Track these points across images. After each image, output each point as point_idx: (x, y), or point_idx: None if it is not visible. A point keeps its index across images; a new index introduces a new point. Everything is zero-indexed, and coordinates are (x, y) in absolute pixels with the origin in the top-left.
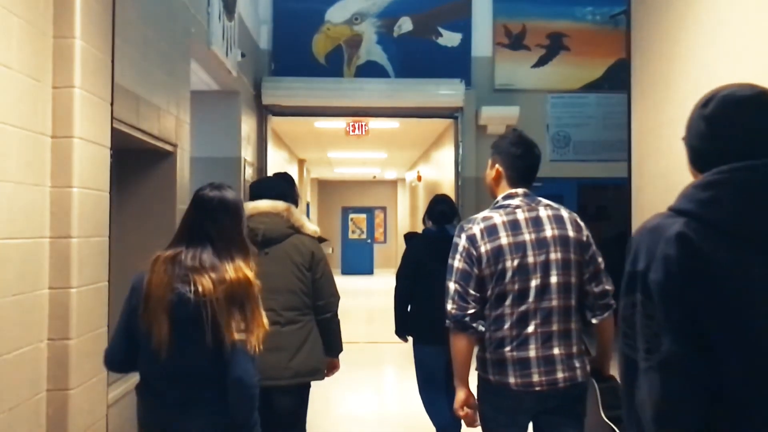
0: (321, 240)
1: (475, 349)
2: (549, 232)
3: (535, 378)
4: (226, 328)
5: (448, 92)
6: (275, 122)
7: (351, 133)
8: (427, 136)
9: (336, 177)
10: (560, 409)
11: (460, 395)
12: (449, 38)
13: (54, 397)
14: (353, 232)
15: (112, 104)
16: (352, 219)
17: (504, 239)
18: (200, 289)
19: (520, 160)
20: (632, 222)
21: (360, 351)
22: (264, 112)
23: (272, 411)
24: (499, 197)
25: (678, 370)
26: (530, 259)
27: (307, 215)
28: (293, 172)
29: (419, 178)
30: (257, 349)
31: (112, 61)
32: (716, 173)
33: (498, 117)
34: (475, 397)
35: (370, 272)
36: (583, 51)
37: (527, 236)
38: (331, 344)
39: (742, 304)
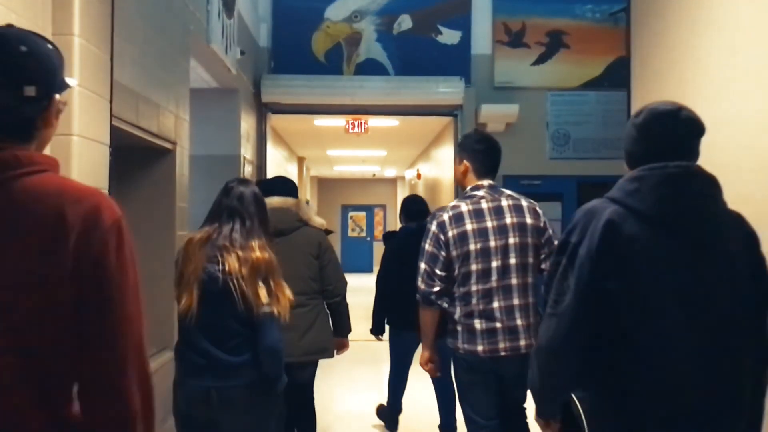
0: (328, 232)
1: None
2: (509, 219)
3: (501, 345)
4: (254, 298)
5: (447, 90)
6: (275, 120)
7: (350, 130)
8: (426, 134)
9: (335, 175)
10: (521, 374)
11: (425, 354)
12: (449, 36)
13: None
14: (353, 230)
15: (111, 102)
16: (351, 217)
17: (469, 225)
18: (227, 267)
19: (485, 155)
20: None
21: (360, 348)
22: (263, 110)
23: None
24: (468, 188)
25: (570, 319)
26: (492, 243)
27: None
28: (293, 170)
29: (419, 176)
30: (285, 317)
31: (111, 59)
32: (640, 170)
33: (498, 115)
34: (438, 358)
35: (370, 270)
36: (582, 49)
37: (489, 223)
38: (341, 325)
39: (647, 271)
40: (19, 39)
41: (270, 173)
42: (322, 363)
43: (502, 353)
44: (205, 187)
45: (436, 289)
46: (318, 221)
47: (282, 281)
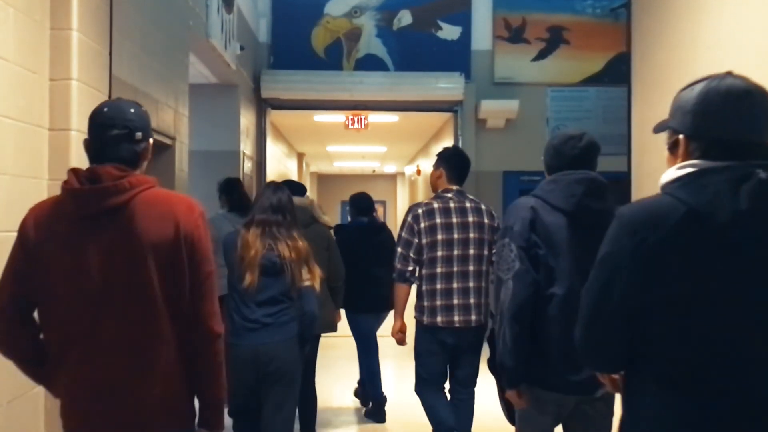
0: (330, 228)
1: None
2: (470, 218)
3: (456, 318)
4: (299, 276)
5: (447, 86)
6: (274, 116)
7: (350, 126)
8: (426, 130)
9: (335, 171)
10: (469, 345)
11: (396, 324)
12: (449, 31)
13: None
14: None
15: (109, 97)
16: None
17: (438, 220)
18: (282, 254)
19: (458, 166)
20: None
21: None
22: (263, 106)
23: None
24: (439, 191)
25: (521, 279)
26: (455, 236)
27: None
28: (292, 166)
29: (419, 172)
30: (318, 289)
31: (110, 54)
32: (555, 176)
33: (498, 110)
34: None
35: None
36: (583, 44)
37: (455, 219)
38: (339, 301)
39: (558, 243)
40: (129, 105)
41: (270, 169)
42: (322, 359)
43: (457, 325)
44: (204, 182)
45: (410, 268)
46: (325, 219)
47: (314, 263)
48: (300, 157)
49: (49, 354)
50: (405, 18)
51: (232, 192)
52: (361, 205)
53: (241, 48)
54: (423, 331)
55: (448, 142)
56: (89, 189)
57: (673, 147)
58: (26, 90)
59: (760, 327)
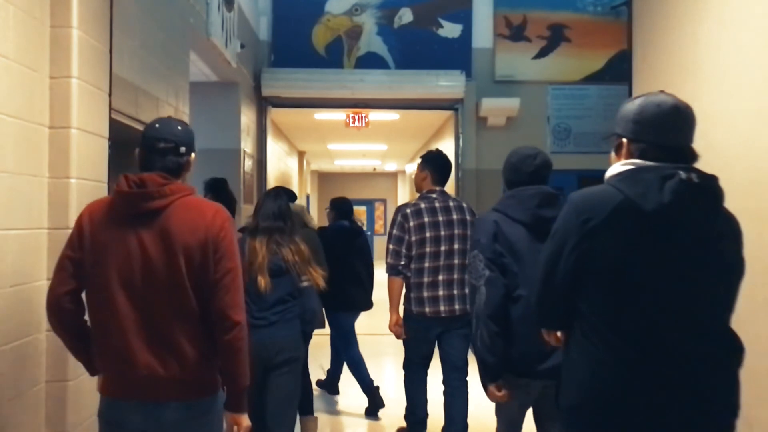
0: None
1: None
2: (454, 216)
3: (442, 308)
4: (302, 277)
5: (448, 84)
6: (275, 114)
7: (351, 124)
8: (427, 128)
9: (336, 169)
10: (455, 331)
11: (393, 318)
12: (450, 29)
13: (53, 389)
14: None
15: (110, 95)
16: None
17: (425, 219)
18: (286, 257)
19: (442, 168)
20: None
21: (360, 343)
22: (263, 104)
23: None
24: (424, 191)
25: (492, 284)
26: (441, 233)
27: (307, 207)
28: (293, 164)
29: None
30: (320, 287)
31: (110, 52)
32: (514, 191)
33: (498, 108)
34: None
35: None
36: (584, 42)
37: (440, 218)
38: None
39: (519, 251)
40: (177, 123)
41: (270, 167)
42: (324, 358)
43: (443, 314)
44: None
45: (402, 262)
46: (313, 223)
47: (315, 264)
48: (301, 155)
49: (92, 331)
50: (406, 16)
51: (219, 191)
52: (343, 209)
53: (242, 46)
54: (412, 320)
55: (449, 141)
56: (136, 192)
57: (617, 149)
58: (26, 88)
59: (675, 292)
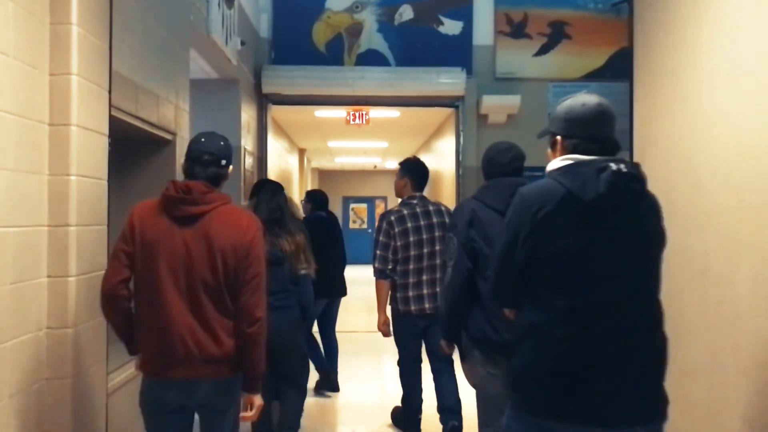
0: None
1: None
2: (434, 219)
3: (426, 305)
4: (298, 266)
5: (449, 81)
6: (275, 111)
7: (351, 122)
8: (428, 126)
9: (337, 166)
10: (436, 325)
11: (380, 318)
12: (450, 26)
13: (53, 386)
14: (354, 221)
15: (110, 92)
16: (352, 209)
17: (408, 224)
18: (283, 248)
19: (421, 175)
20: None
21: (360, 340)
22: (264, 101)
23: None
24: (405, 198)
25: (458, 268)
26: (423, 236)
27: None
28: (294, 162)
29: None
30: (313, 275)
31: (110, 49)
32: (490, 181)
33: (499, 106)
34: (391, 321)
35: (370, 261)
36: (584, 40)
37: (422, 222)
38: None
39: (492, 235)
40: (220, 138)
41: (271, 165)
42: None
43: (428, 311)
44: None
45: (390, 266)
46: (300, 215)
47: (310, 253)
48: (301, 152)
49: (136, 316)
50: (406, 13)
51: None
52: (319, 200)
53: (242, 43)
54: (400, 318)
55: (450, 138)
56: (182, 197)
57: (553, 145)
58: (26, 85)
59: (613, 265)
